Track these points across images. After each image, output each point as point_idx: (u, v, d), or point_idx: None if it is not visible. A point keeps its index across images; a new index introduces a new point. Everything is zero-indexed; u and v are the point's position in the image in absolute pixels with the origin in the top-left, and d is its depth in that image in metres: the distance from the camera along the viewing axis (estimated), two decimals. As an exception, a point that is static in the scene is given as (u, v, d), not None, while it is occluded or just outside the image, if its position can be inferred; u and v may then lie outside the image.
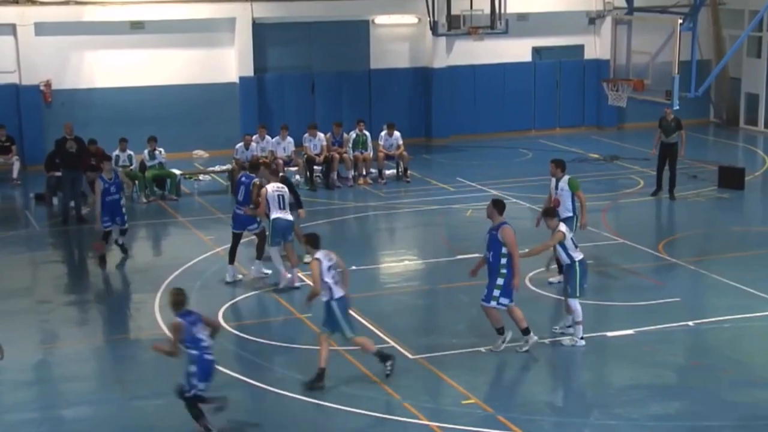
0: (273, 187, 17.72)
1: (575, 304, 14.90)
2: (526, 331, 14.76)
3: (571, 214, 17.28)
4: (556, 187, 17.53)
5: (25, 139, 28.15)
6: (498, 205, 14.66)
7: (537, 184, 25.40)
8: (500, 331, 14.71)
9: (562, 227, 15.02)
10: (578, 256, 14.93)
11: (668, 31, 21.77)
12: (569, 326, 15.26)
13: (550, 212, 15.35)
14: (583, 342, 14.91)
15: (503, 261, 14.34)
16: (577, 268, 14.86)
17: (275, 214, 17.54)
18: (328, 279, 13.51)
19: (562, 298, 15.46)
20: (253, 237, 18.66)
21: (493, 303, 14.46)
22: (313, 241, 13.85)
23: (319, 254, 13.64)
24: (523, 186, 25.10)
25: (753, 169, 27.20)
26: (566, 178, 17.46)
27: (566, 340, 15.01)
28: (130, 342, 15.45)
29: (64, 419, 13.23)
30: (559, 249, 14.99)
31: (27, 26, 27.86)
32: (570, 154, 29.68)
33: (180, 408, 12.24)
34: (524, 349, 14.72)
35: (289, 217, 17.72)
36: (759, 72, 33.29)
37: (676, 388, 13.88)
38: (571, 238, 14.96)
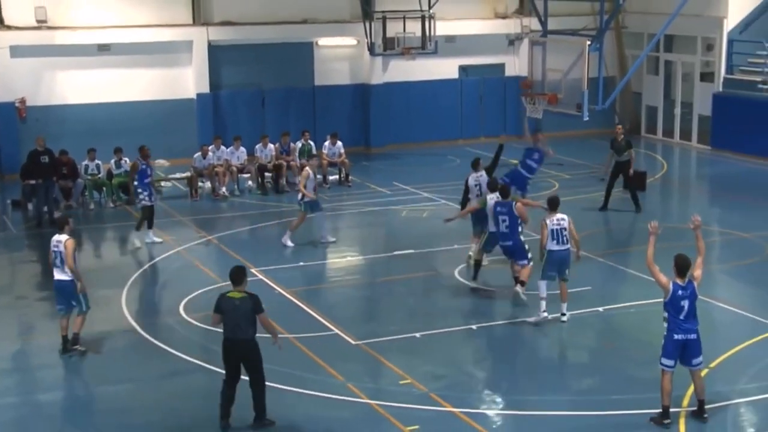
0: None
1: (541, 283, 15.37)
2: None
3: None
4: None
5: (2, 151, 27.68)
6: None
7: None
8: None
9: (546, 220, 15.27)
10: (551, 246, 15.22)
11: (578, 51, 21.96)
12: (564, 314, 15.46)
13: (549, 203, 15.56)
14: (546, 314, 15.31)
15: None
16: (546, 256, 15.26)
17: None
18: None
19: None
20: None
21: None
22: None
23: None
24: (453, 189, 25.12)
25: (653, 173, 27.55)
26: None
27: (530, 319, 15.37)
28: (100, 333, 15.26)
29: (41, 403, 13.08)
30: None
31: (3, 49, 27.36)
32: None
33: (147, 391, 12.13)
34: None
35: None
36: (657, 87, 33.76)
37: (588, 367, 14.05)
38: (552, 230, 15.19)
